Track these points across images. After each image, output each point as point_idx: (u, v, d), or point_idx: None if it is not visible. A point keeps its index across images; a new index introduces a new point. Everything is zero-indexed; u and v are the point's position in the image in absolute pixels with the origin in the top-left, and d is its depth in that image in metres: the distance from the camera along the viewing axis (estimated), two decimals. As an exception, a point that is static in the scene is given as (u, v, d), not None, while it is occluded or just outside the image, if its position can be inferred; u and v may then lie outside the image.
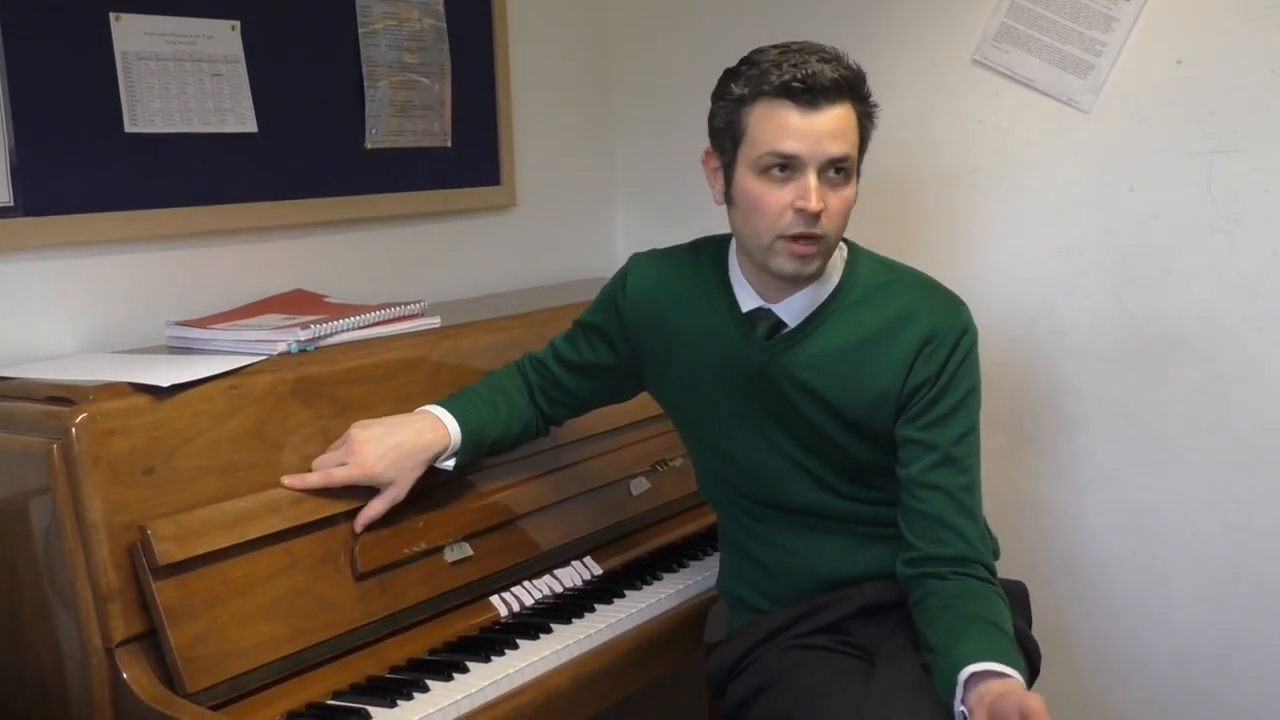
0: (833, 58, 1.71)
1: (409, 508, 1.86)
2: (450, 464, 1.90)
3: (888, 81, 2.52)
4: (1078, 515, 2.57)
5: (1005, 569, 1.97)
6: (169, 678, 1.59)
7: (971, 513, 1.79)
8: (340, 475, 1.80)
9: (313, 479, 1.80)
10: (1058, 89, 2.47)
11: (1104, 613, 2.57)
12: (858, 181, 1.77)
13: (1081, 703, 2.61)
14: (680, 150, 2.53)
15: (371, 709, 1.65)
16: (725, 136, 1.76)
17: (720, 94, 1.77)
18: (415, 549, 1.86)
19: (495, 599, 1.97)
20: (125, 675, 1.58)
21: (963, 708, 1.60)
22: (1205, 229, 2.37)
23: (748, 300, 1.84)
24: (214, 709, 1.59)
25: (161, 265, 2.11)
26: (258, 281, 2.22)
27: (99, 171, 1.99)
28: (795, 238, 1.71)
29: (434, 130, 2.53)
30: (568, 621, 1.93)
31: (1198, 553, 2.46)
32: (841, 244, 1.84)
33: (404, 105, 2.46)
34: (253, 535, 1.70)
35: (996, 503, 2.07)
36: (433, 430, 1.87)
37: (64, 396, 1.65)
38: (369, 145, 2.41)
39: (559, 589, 2.05)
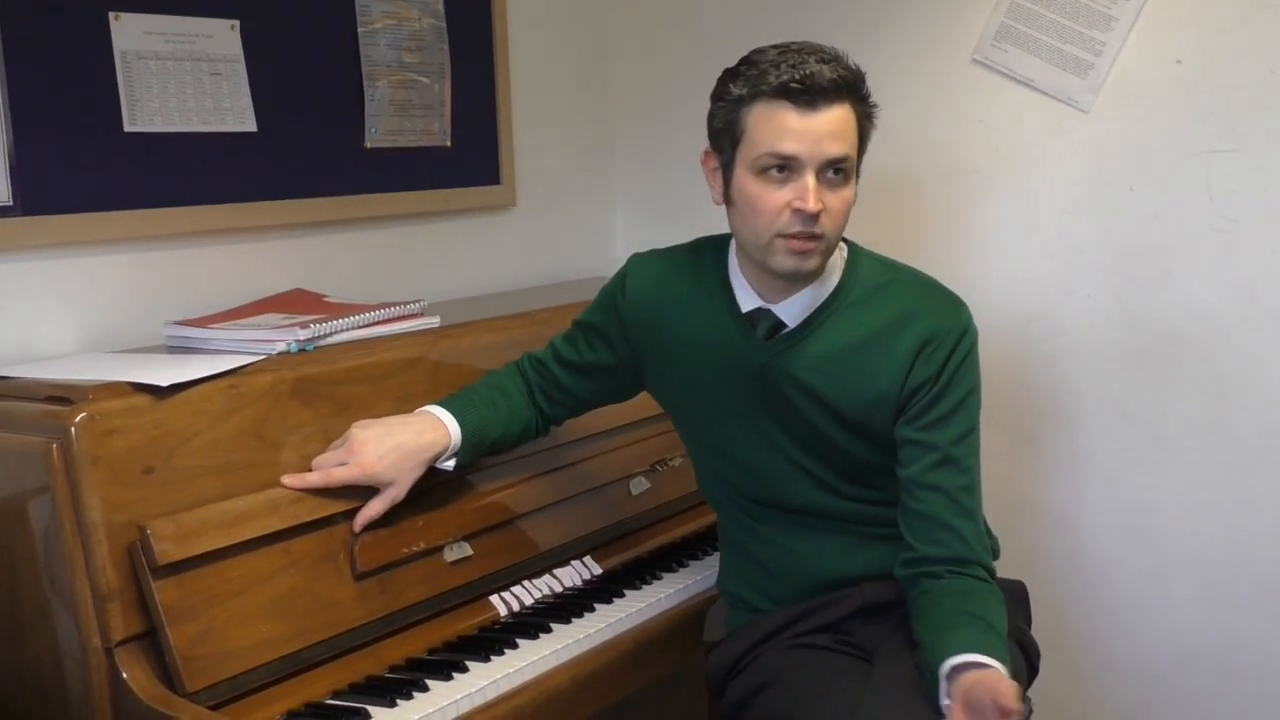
0: (832, 58, 1.71)
1: (408, 507, 1.86)
2: (450, 464, 1.90)
3: (887, 81, 2.52)
4: (1077, 515, 2.57)
5: (1005, 569, 1.97)
6: (168, 677, 1.59)
7: (970, 513, 1.79)
8: (340, 475, 1.80)
9: (312, 479, 1.80)
10: (1057, 88, 2.47)
11: (1103, 612, 2.57)
12: (857, 182, 1.76)
13: (1081, 703, 2.61)
14: (680, 150, 2.52)
15: (371, 709, 1.65)
16: (724, 137, 1.76)
17: (719, 94, 1.76)
18: (415, 548, 1.86)
19: (495, 598, 1.97)
20: (125, 675, 1.58)
21: (947, 701, 1.60)
22: (1205, 229, 2.37)
23: (747, 300, 1.84)
24: (213, 708, 1.59)
25: (161, 265, 2.11)
26: (257, 281, 2.22)
27: (98, 171, 1.99)
28: (794, 236, 1.71)
29: (433, 130, 2.53)
30: (567, 621, 1.93)
31: (1197, 552, 2.46)
32: (841, 244, 1.84)
33: (403, 105, 2.46)
34: (252, 535, 1.69)
35: (996, 503, 2.07)
36: (433, 430, 1.87)
37: (63, 396, 1.65)
38: (368, 145, 2.41)
39: (559, 588, 2.05)
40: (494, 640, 1.85)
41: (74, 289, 2.00)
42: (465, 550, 1.93)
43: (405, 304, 2.12)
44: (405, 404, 1.94)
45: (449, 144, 2.57)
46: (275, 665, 1.68)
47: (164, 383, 1.69)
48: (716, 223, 1.89)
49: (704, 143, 1.82)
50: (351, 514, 1.81)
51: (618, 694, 1.93)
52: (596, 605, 2.00)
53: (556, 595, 2.04)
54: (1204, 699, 2.49)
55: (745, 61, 1.75)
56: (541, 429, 2.05)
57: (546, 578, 2.05)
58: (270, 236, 2.26)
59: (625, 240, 3.03)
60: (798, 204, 1.69)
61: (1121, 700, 2.58)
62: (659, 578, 2.13)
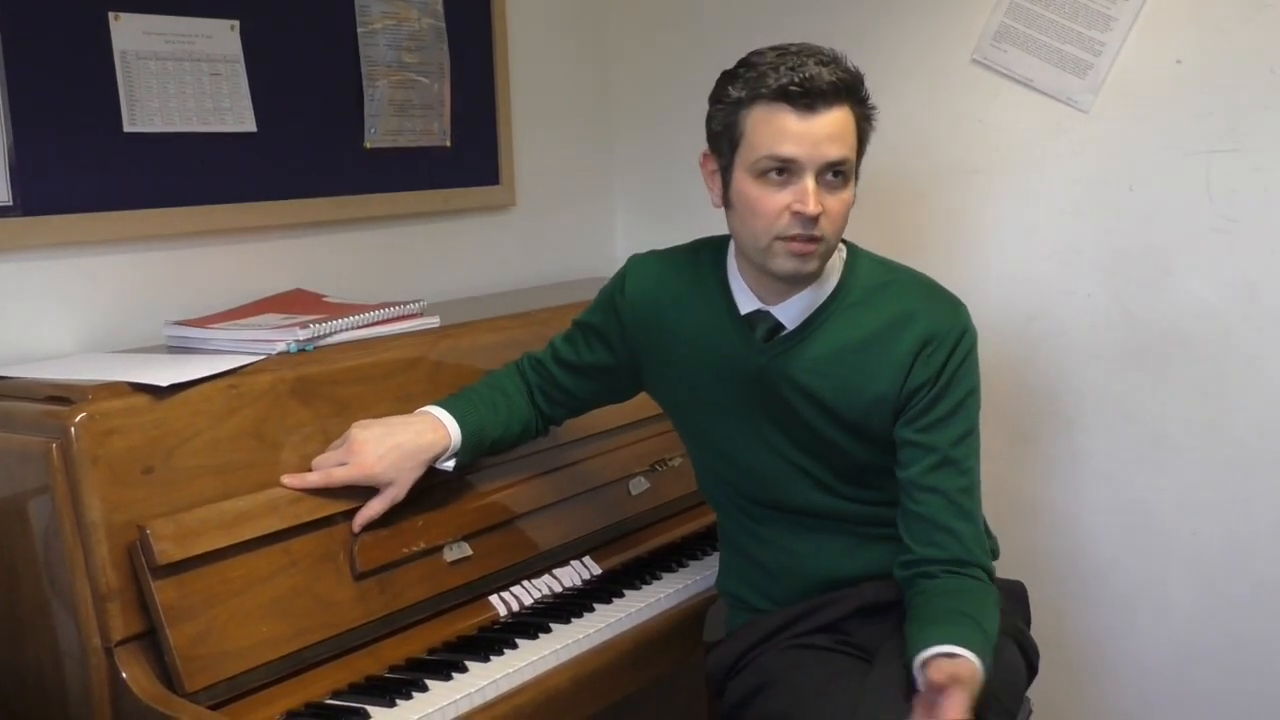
0: (830, 60, 1.71)
1: (408, 507, 1.86)
2: (450, 464, 1.90)
3: (886, 81, 2.52)
4: (1076, 515, 2.57)
5: (1004, 569, 1.97)
6: (168, 677, 1.59)
7: (969, 515, 1.79)
8: (340, 475, 1.80)
9: (312, 479, 1.80)
10: (1057, 88, 2.47)
11: (1103, 612, 2.57)
12: (856, 183, 1.76)
13: (1080, 703, 2.61)
14: (680, 150, 2.52)
15: (371, 708, 1.65)
16: (723, 140, 1.75)
17: (718, 97, 1.76)
18: (414, 548, 1.86)
19: (494, 598, 1.97)
20: (124, 675, 1.58)
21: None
22: (1204, 228, 2.37)
23: (746, 302, 1.84)
24: (213, 708, 1.59)
25: (160, 265, 2.11)
26: (257, 281, 2.22)
27: (98, 171, 1.99)
28: (793, 239, 1.71)
29: (433, 130, 2.53)
30: (567, 621, 1.93)
31: (1196, 552, 2.46)
32: (840, 245, 1.84)
33: (403, 105, 2.46)
34: (252, 535, 1.69)
35: (995, 503, 2.07)
36: (433, 431, 1.87)
37: (63, 396, 1.65)
38: (368, 145, 2.41)
39: (558, 588, 2.05)
40: (493, 640, 1.85)
41: (74, 289, 2.00)
42: (465, 550, 1.93)
43: (405, 304, 2.12)
44: (405, 404, 1.94)
45: (449, 144, 2.57)
46: (275, 665, 1.68)
47: (164, 383, 1.69)
48: (716, 223, 1.89)
49: (704, 143, 1.81)
50: (351, 514, 1.81)
51: (617, 694, 1.93)
52: (596, 605, 2.00)
53: (556, 595, 2.04)
54: (1204, 699, 2.49)
55: (743, 64, 1.74)
56: (541, 429, 2.05)
57: (546, 578, 2.05)
58: (270, 236, 2.26)
59: (625, 240, 3.03)
60: (797, 207, 1.69)
61: (1121, 700, 2.58)
62: (659, 578, 2.13)
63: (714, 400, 1.88)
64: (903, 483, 1.80)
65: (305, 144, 2.29)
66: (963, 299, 1.84)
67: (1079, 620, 2.59)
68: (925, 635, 1.65)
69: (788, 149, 1.68)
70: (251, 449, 1.78)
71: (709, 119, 1.78)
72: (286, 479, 1.78)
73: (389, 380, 1.98)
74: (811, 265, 1.74)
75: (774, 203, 1.70)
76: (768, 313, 1.82)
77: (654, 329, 1.92)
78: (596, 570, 2.12)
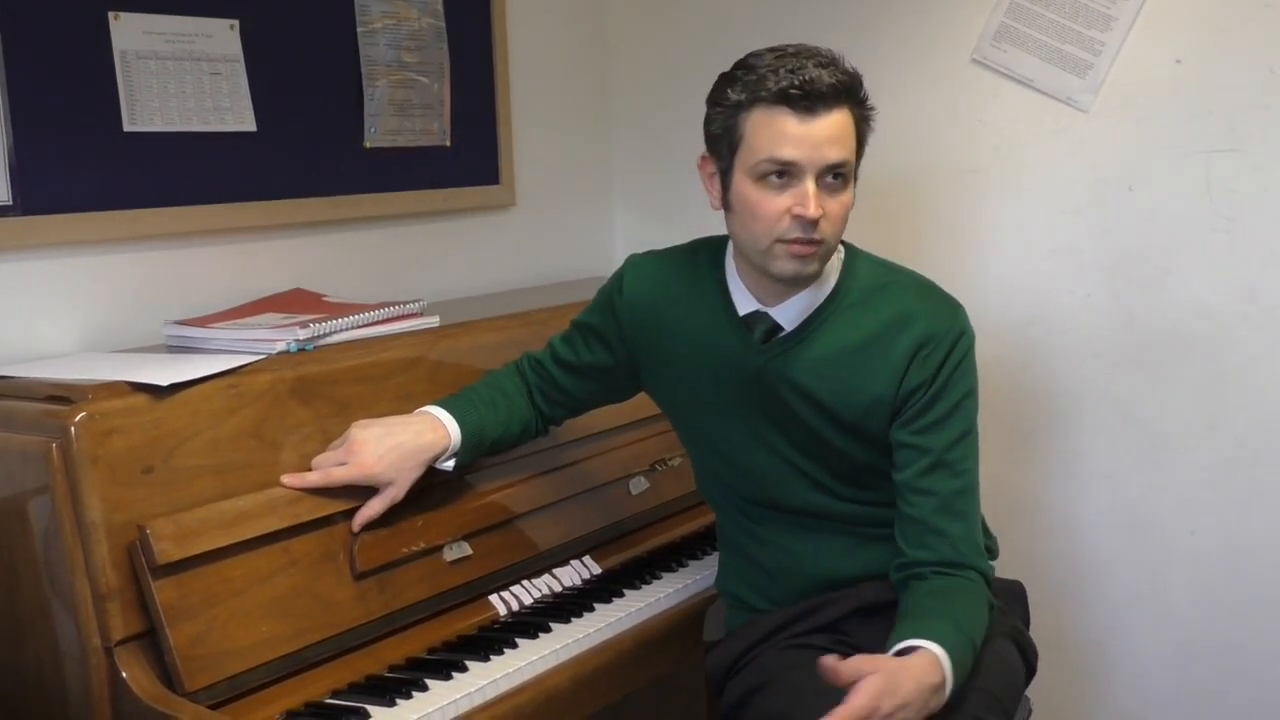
0: (829, 62, 1.71)
1: (408, 507, 1.86)
2: (450, 464, 1.90)
3: (886, 81, 2.52)
4: (1076, 515, 2.58)
5: (1003, 569, 1.97)
6: (168, 677, 1.59)
7: (962, 516, 1.78)
8: (339, 475, 1.80)
9: (312, 478, 1.80)
10: (1056, 88, 2.47)
11: (1101, 612, 2.57)
12: (855, 185, 1.76)
13: (1079, 702, 2.61)
14: (679, 150, 2.52)
15: (370, 708, 1.65)
16: (722, 142, 1.75)
17: (716, 99, 1.75)
18: (414, 548, 1.86)
19: (494, 598, 1.97)
20: (124, 674, 1.58)
21: None
22: (1204, 228, 2.37)
23: (744, 303, 1.84)
24: (213, 708, 1.59)
25: (160, 264, 2.11)
26: (256, 281, 2.22)
27: (98, 171, 1.99)
28: (794, 241, 1.71)
29: (433, 129, 2.53)
30: (567, 621, 1.93)
31: (1195, 552, 2.46)
32: (839, 246, 1.84)
33: (403, 104, 2.46)
34: (252, 534, 1.69)
35: (995, 503, 2.07)
36: (433, 431, 1.87)
37: (63, 396, 1.65)
38: (368, 144, 2.41)
39: (558, 588, 2.05)
40: (493, 640, 1.85)
41: (74, 288, 2.00)
42: (465, 550, 1.93)
43: (405, 304, 2.12)
44: (405, 404, 1.94)
45: (448, 144, 2.57)
46: (275, 665, 1.68)
47: (164, 382, 1.69)
48: (715, 223, 1.89)
49: (704, 143, 1.81)
50: (351, 514, 1.81)
51: (617, 694, 1.93)
52: (596, 605, 2.00)
53: (556, 595, 2.04)
54: (1203, 699, 2.49)
55: (742, 66, 1.74)
56: (541, 429, 2.05)
57: (546, 577, 2.05)
58: (270, 236, 2.26)
59: (624, 240, 3.03)
60: (797, 210, 1.68)
61: (1120, 700, 2.58)
62: (658, 577, 2.13)
63: (712, 401, 1.88)
64: (897, 485, 1.80)
65: (305, 144, 2.29)
66: (962, 299, 1.84)
67: (1078, 620, 2.59)
68: (895, 633, 1.66)
69: (788, 152, 1.68)
70: (251, 449, 1.78)
71: (707, 121, 1.77)
72: (286, 479, 1.78)
73: (389, 380, 1.98)
74: (812, 267, 1.74)
75: (774, 206, 1.70)
76: (766, 314, 1.82)
77: (652, 329, 1.92)
78: (596, 570, 2.12)
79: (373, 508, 1.82)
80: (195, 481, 1.70)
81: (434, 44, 2.52)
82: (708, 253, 1.91)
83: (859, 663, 1.56)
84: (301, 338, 1.90)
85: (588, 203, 3.00)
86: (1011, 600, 1.96)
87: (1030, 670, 1.91)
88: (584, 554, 2.13)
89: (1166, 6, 2.37)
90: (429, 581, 1.88)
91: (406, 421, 1.87)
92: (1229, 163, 2.34)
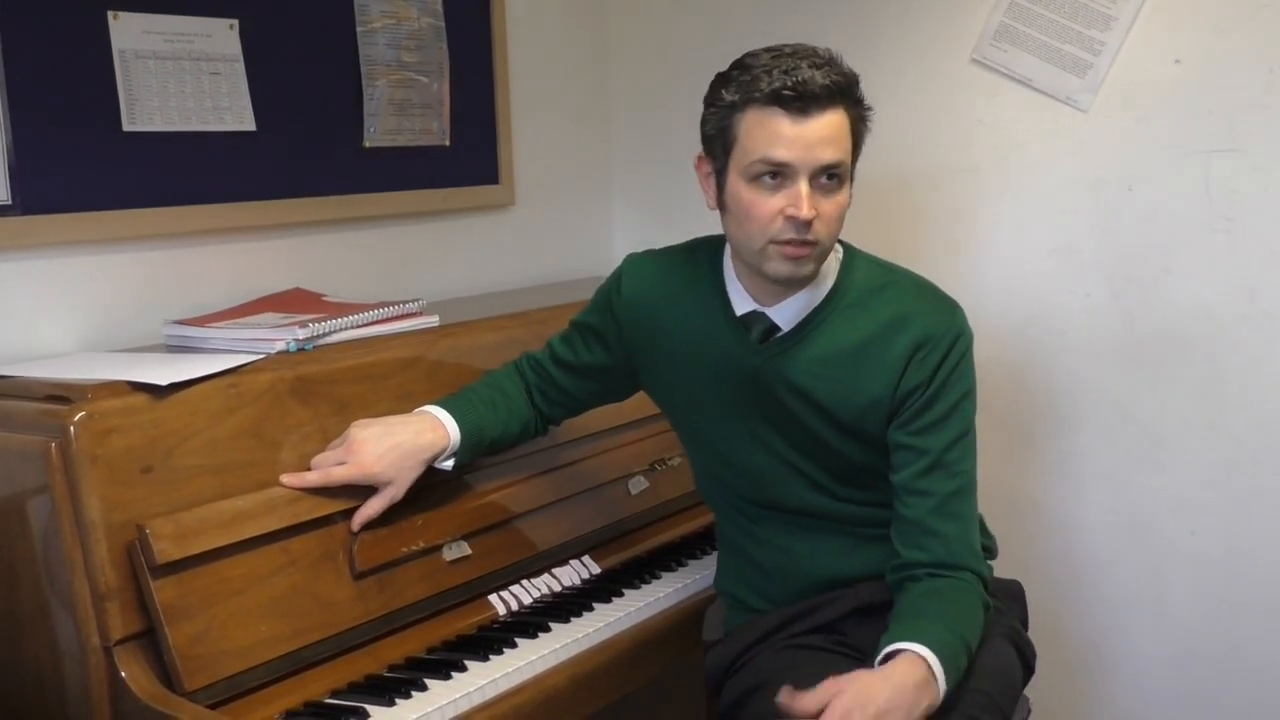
0: (824, 62, 1.70)
1: (407, 506, 1.86)
2: (449, 464, 1.90)
3: (886, 81, 2.53)
4: (1075, 514, 2.58)
5: (1002, 569, 1.97)
6: (167, 676, 1.59)
7: (958, 516, 1.78)
8: (339, 474, 1.80)
9: (311, 478, 1.80)
10: (1056, 88, 2.47)
11: (1100, 612, 2.57)
12: (851, 185, 1.76)
13: (1078, 702, 2.61)
14: (679, 150, 2.52)
15: (370, 708, 1.65)
16: (716, 143, 1.75)
17: (711, 100, 1.75)
18: (413, 548, 1.86)
19: (494, 598, 1.97)
20: (123, 674, 1.58)
21: None
22: (1203, 228, 2.37)
23: (742, 304, 1.84)
24: (212, 708, 1.59)
25: (159, 264, 2.11)
26: (256, 280, 2.22)
27: (97, 170, 1.99)
28: (788, 243, 1.70)
29: (432, 129, 2.53)
30: (566, 620, 1.93)
31: (1195, 552, 2.46)
32: (837, 246, 1.84)
33: (402, 104, 2.46)
34: (251, 534, 1.70)
35: (994, 503, 2.07)
36: (432, 430, 1.87)
37: (62, 395, 1.65)
38: (367, 144, 2.41)
39: (557, 588, 2.05)
40: (493, 639, 1.85)
41: (73, 288, 2.00)
42: (464, 549, 1.93)
43: (404, 303, 2.12)
44: (404, 403, 1.94)
45: (448, 143, 2.57)
46: (274, 664, 1.68)
47: (163, 382, 1.69)
48: (714, 223, 1.88)
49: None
50: (350, 513, 1.81)
51: (616, 693, 1.93)
52: (595, 605, 2.00)
53: (555, 594, 2.04)
54: (1202, 699, 2.49)
55: (737, 66, 1.74)
56: (540, 429, 2.05)
57: (545, 577, 2.05)
58: (269, 236, 2.26)
59: (624, 240, 3.03)
60: (791, 211, 1.68)
61: (1119, 700, 2.58)
62: (658, 577, 2.13)
63: (710, 401, 1.88)
64: (894, 486, 1.80)
65: (304, 143, 2.29)
66: (961, 299, 1.84)
67: (1077, 620, 2.59)
68: (883, 639, 1.66)
69: (780, 153, 1.67)
70: (251, 448, 1.78)
71: (703, 122, 1.77)
72: (285, 478, 1.78)
73: (388, 379, 1.98)
74: (806, 269, 1.74)
75: (768, 207, 1.70)
76: (763, 314, 1.82)
77: (650, 329, 1.92)
78: (596, 569, 2.12)
79: (372, 507, 1.82)
80: (194, 481, 1.70)
81: (433, 43, 2.52)
82: (706, 252, 1.91)
83: (825, 685, 1.57)
84: (301, 337, 1.90)
85: (587, 202, 2.99)
86: (1010, 600, 1.96)
87: (1029, 670, 1.91)
88: (583, 554, 2.13)
89: (1166, 6, 2.37)
90: (428, 581, 1.88)
91: (406, 421, 1.87)
92: (1229, 163, 2.34)
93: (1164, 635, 2.51)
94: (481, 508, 1.99)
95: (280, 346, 1.89)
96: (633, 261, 1.97)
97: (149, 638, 1.60)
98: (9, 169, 1.89)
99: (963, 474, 1.79)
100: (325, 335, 1.95)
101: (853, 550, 1.88)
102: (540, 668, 1.81)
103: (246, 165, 2.20)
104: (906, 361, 1.77)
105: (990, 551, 1.94)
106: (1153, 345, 2.45)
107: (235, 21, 2.16)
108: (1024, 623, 1.98)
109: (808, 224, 1.68)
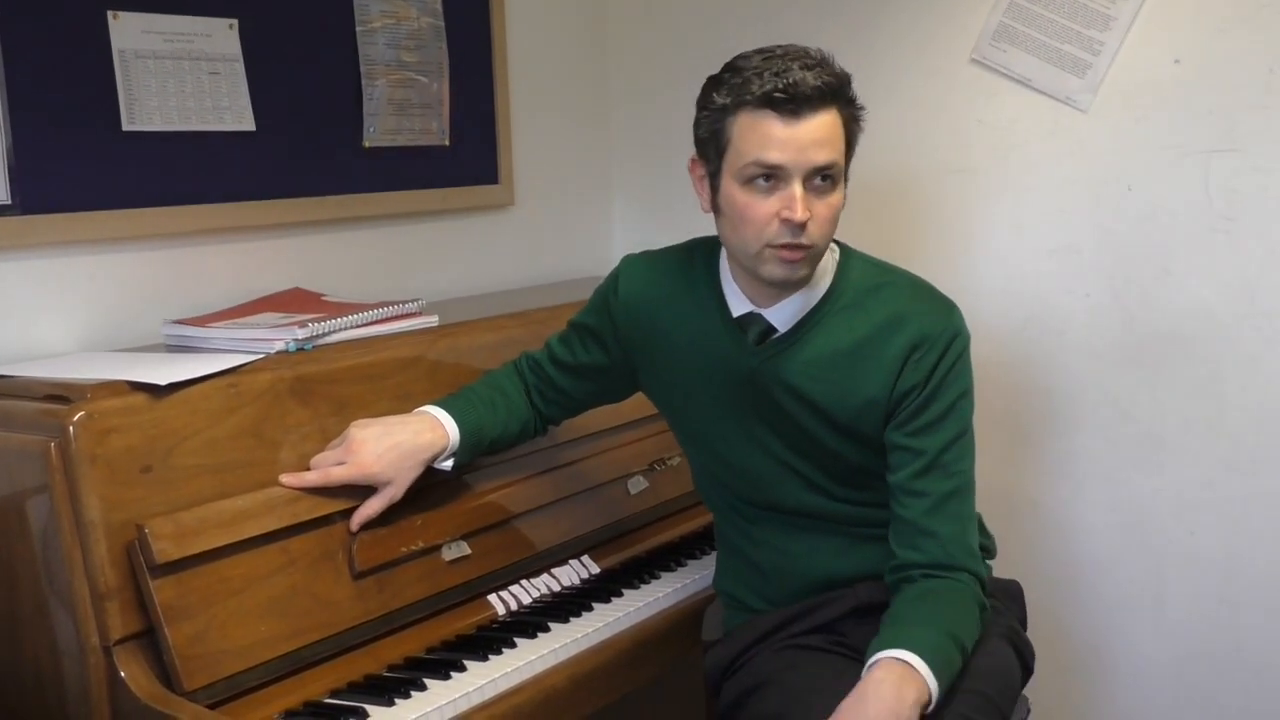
0: (816, 63, 1.69)
1: (406, 506, 1.86)
2: (448, 464, 1.90)
3: (885, 80, 2.53)
4: (1074, 514, 2.58)
5: (1001, 569, 1.97)
6: (166, 676, 1.59)
7: (955, 517, 1.78)
8: (338, 474, 1.80)
9: (310, 478, 1.80)
10: (1055, 88, 2.47)
11: (1099, 612, 2.57)
12: (846, 185, 1.75)
13: (1077, 702, 2.61)
14: (678, 150, 2.51)
15: (369, 707, 1.65)
16: (709, 146, 1.74)
17: (704, 102, 1.75)
18: (413, 547, 1.87)
19: (493, 598, 1.97)
20: (123, 674, 1.58)
21: None
22: (1203, 228, 2.37)
23: (738, 305, 1.84)
24: (211, 707, 1.59)
25: (159, 264, 2.11)
26: (255, 280, 2.22)
27: (96, 170, 1.99)
28: (783, 246, 1.70)
29: (432, 129, 2.53)
30: (565, 620, 1.94)
31: (1194, 552, 2.46)
32: (833, 247, 1.83)
33: (402, 104, 2.46)
34: (250, 534, 1.70)
35: (992, 502, 2.07)
36: (431, 431, 1.87)
37: (61, 395, 1.65)
38: (367, 144, 2.41)
39: (557, 588, 2.05)
40: (492, 639, 1.85)
41: (72, 287, 2.00)
42: (463, 549, 1.93)
43: (404, 303, 2.12)
44: (404, 403, 1.95)
45: (447, 143, 2.57)
46: (273, 664, 1.68)
47: (162, 382, 1.69)
48: (713, 223, 1.89)
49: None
50: (349, 513, 1.81)
51: (616, 693, 1.93)
52: (594, 604, 2.00)
53: (555, 594, 2.04)
54: (1201, 699, 2.49)
55: (729, 68, 1.73)
56: (540, 429, 2.05)
57: (545, 577, 2.05)
58: (269, 235, 2.26)
59: (623, 240, 3.03)
60: (785, 214, 1.68)
61: (1118, 700, 2.58)
62: (657, 577, 2.13)
63: (707, 401, 1.88)
64: (891, 487, 1.80)
65: (304, 143, 2.29)
66: (960, 299, 1.84)
67: (1076, 620, 2.59)
68: (873, 644, 1.66)
69: (773, 156, 1.67)
70: (250, 448, 1.78)
71: (696, 125, 1.76)
72: (285, 478, 1.78)
73: (388, 379, 1.98)
74: (801, 271, 1.74)
75: (762, 210, 1.69)
76: (760, 315, 1.82)
77: (647, 329, 1.92)
78: (595, 569, 2.12)
79: (371, 507, 1.82)
80: (194, 481, 1.70)
81: (433, 43, 2.52)
82: (703, 253, 1.91)
83: None
84: (300, 337, 1.90)
85: (586, 202, 3.00)
86: (1008, 600, 1.96)
87: (1027, 670, 1.91)
88: (583, 554, 2.13)
89: (1166, 6, 2.37)
90: (427, 581, 1.88)
91: (405, 421, 1.88)
92: (1229, 163, 2.34)
93: (1163, 635, 2.51)
94: (481, 508, 1.99)
95: (280, 346, 1.89)
96: (630, 262, 1.97)
97: (148, 637, 1.60)
98: (9, 169, 1.89)
99: (960, 474, 1.79)
100: (325, 335, 1.95)
101: (850, 550, 1.88)
102: (539, 668, 1.81)
103: (246, 165, 2.20)
104: (903, 362, 1.77)
105: (989, 551, 1.94)
106: (1152, 345, 2.45)
107: (235, 21, 2.16)
108: (1023, 623, 1.98)
109: (802, 226, 1.68)
